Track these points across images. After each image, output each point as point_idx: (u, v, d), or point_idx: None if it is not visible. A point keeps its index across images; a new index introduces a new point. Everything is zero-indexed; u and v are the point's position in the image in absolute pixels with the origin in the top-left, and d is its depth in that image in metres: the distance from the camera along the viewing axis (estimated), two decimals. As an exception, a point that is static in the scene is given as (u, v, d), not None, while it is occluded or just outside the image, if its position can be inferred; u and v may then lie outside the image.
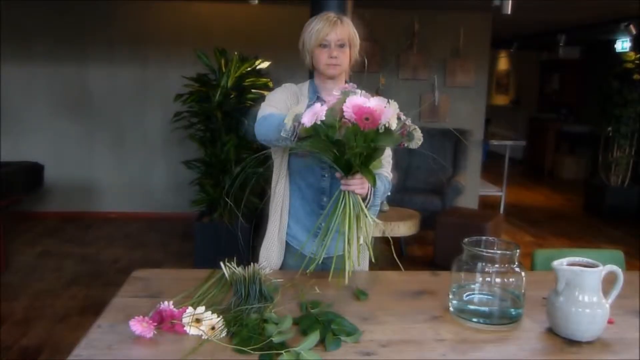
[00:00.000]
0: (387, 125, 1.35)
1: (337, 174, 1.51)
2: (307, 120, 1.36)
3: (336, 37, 1.68)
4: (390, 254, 1.62)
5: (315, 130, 1.38)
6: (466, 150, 5.47)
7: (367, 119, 1.33)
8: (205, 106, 4.02)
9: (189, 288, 1.52)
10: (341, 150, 1.39)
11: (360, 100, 1.35)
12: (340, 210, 1.50)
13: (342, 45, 1.70)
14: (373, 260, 1.66)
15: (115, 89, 5.65)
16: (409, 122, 1.44)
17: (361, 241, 1.50)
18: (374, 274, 1.79)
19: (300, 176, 1.80)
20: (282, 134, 1.47)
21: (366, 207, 1.56)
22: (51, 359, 2.83)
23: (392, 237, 1.65)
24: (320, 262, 1.58)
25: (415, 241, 5.02)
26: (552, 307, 1.32)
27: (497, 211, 5.86)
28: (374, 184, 1.48)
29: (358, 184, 1.49)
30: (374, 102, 1.35)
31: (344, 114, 1.35)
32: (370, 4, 5.38)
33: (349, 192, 1.50)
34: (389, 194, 1.83)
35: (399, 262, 1.50)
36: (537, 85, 10.31)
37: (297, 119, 1.42)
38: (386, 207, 4.37)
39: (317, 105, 1.38)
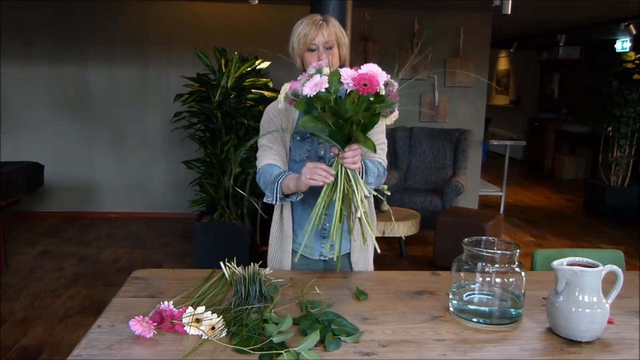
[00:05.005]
0: (379, 90, 1.39)
1: (334, 150, 1.50)
2: (309, 90, 1.38)
3: (323, 39, 1.68)
4: (393, 254, 1.63)
5: (311, 103, 1.40)
6: (466, 150, 5.47)
7: (365, 84, 1.37)
8: (205, 106, 4.03)
9: (189, 288, 1.52)
10: (339, 120, 1.40)
11: (351, 70, 1.40)
12: (338, 184, 1.50)
13: (330, 47, 1.70)
14: (379, 250, 1.64)
15: (115, 89, 5.65)
16: (396, 84, 1.46)
17: (358, 214, 1.50)
18: (374, 274, 1.79)
19: (298, 168, 1.80)
20: (265, 199, 1.67)
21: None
22: (51, 359, 2.83)
23: (392, 237, 1.64)
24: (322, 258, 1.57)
25: (415, 241, 5.02)
26: (552, 307, 1.32)
27: (497, 211, 5.86)
28: (374, 149, 1.49)
29: (354, 156, 1.48)
30: (366, 68, 1.39)
31: (344, 85, 1.39)
32: (370, 4, 5.39)
33: (345, 166, 1.49)
34: (388, 192, 1.83)
35: (377, 247, 1.50)
36: (537, 85, 10.30)
37: (294, 93, 1.46)
38: (386, 207, 4.36)
39: (317, 76, 1.39)
